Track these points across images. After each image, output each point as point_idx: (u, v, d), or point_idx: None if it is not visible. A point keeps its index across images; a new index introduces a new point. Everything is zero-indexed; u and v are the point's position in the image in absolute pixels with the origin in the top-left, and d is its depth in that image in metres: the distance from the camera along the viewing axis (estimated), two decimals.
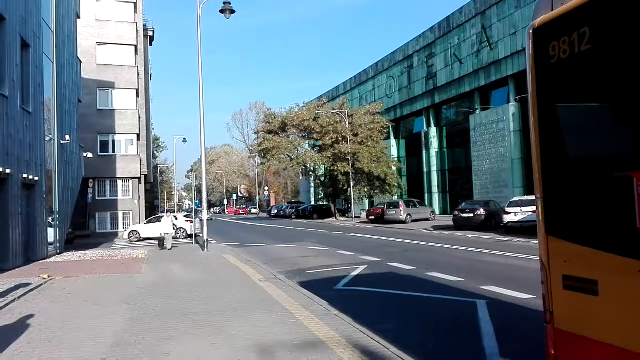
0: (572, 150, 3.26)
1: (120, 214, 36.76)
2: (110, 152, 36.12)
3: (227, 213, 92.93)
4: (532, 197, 4.28)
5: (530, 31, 3.39)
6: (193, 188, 56.22)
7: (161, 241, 20.84)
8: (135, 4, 38.19)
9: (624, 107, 2.84)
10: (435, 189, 41.55)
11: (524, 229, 20.01)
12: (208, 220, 21.34)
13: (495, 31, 33.20)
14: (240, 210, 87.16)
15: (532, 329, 5.78)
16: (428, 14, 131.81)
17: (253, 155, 61.49)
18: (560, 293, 3.15)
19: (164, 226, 21.17)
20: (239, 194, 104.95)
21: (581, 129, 3.28)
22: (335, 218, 45.40)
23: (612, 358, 2.77)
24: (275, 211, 62.18)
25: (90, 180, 32.74)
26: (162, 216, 26.17)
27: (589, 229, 3.04)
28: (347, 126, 41.60)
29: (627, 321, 2.67)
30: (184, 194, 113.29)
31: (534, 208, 3.66)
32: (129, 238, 27.52)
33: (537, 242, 3.46)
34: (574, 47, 2.97)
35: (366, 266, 13.54)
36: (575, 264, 3.05)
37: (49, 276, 12.88)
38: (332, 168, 42.76)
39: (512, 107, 31.72)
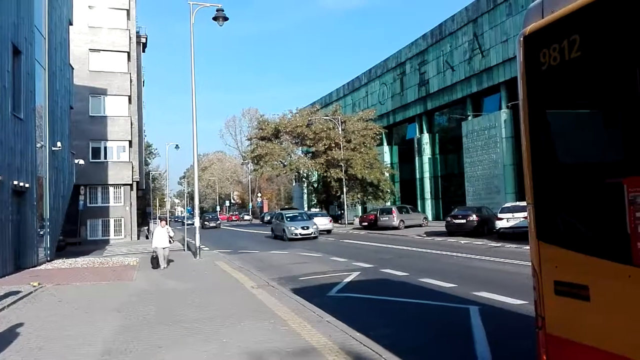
0: (562, 157, 3.28)
1: (111, 221, 36.58)
2: (102, 159, 35.99)
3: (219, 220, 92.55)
4: (524, 203, 4.31)
5: (521, 38, 3.41)
6: (185, 195, 55.96)
7: (155, 259, 16.24)
8: (128, 11, 38.18)
9: (614, 114, 2.86)
10: (427, 195, 41.65)
11: (516, 235, 20.08)
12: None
13: (487, 39, 33.47)
14: (233, 217, 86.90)
15: (524, 335, 5.79)
16: (420, 21, 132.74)
17: (246, 161, 61.29)
18: (551, 298, 3.16)
19: (158, 239, 16.29)
20: (232, 201, 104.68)
21: (572, 135, 3.31)
22: None
23: None
24: (268, 217, 62.01)
25: (82, 187, 32.55)
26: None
27: (580, 234, 3.06)
28: (340, 132, 41.69)
29: (618, 326, 2.68)
30: (177, 201, 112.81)
31: (525, 214, 3.67)
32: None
33: (529, 247, 3.47)
34: (564, 54, 2.99)
35: (359, 272, 13.53)
36: (566, 270, 3.06)
37: (39, 284, 12.76)
38: (325, 174, 42.80)
39: (504, 114, 31.93)
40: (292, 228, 27.98)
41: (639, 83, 2.56)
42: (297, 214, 31.68)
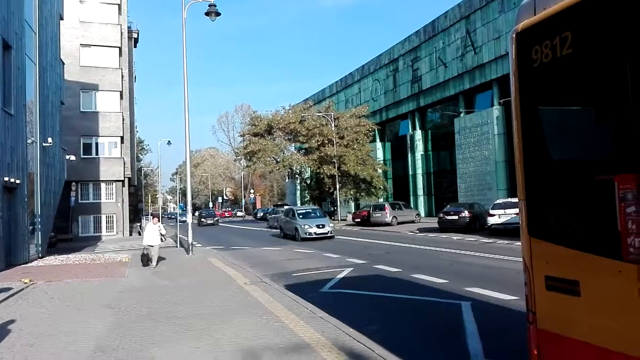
0: (554, 153, 3.30)
1: (103, 217, 36.41)
2: (94, 155, 35.76)
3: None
4: (516, 200, 4.35)
5: (513, 35, 3.42)
6: (178, 191, 55.83)
7: (145, 256, 15.61)
8: (119, 5, 37.90)
9: (605, 111, 2.89)
10: (420, 191, 41.78)
11: (507, 231, 20.19)
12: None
13: (480, 35, 33.54)
14: (226, 213, 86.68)
15: (516, 330, 5.83)
16: (413, 18, 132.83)
17: (239, 157, 61.22)
18: (542, 294, 3.19)
19: (149, 236, 15.67)
20: (225, 197, 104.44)
21: (563, 132, 3.33)
22: None
23: (593, 357, 2.81)
24: (261, 214, 61.93)
25: (73, 183, 32.35)
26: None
27: (571, 230, 3.08)
28: (333, 129, 41.68)
29: (608, 321, 2.71)
30: (169, 197, 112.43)
31: (517, 210, 3.69)
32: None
33: (520, 243, 3.50)
34: (556, 51, 3.01)
35: (352, 269, 13.56)
36: (557, 265, 3.08)
37: (30, 280, 12.69)
38: (318, 171, 42.78)
39: (496, 111, 32.04)
40: (306, 227, 24.76)
41: (629, 80, 2.58)
42: (309, 210, 28.04)
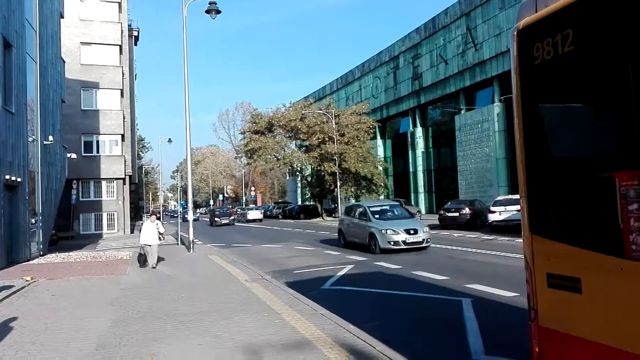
0: (555, 150, 3.30)
1: (104, 215, 36.45)
2: (94, 153, 35.78)
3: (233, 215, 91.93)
4: (517, 197, 4.36)
5: (515, 32, 3.42)
6: (179, 189, 55.78)
7: (142, 256, 14.78)
8: (119, 3, 37.88)
9: (607, 108, 2.88)
10: (421, 188, 41.77)
11: (508, 228, 20.18)
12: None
13: (480, 32, 33.49)
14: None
15: (517, 327, 5.84)
16: (414, 15, 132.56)
17: (239, 155, 61.22)
18: (544, 291, 3.19)
19: (146, 235, 14.76)
20: (225, 195, 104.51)
21: (564, 129, 3.32)
22: (322, 218, 45.41)
23: (595, 355, 2.81)
24: (262, 211, 61.96)
25: (74, 181, 32.34)
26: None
27: (573, 227, 3.08)
28: (334, 126, 41.68)
29: (610, 318, 2.71)
30: (170, 195, 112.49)
31: (518, 207, 3.70)
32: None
33: (522, 240, 3.50)
34: (558, 48, 3.00)
35: (353, 265, 13.57)
36: (559, 262, 3.08)
37: (32, 278, 12.70)
38: (318, 168, 42.81)
39: (497, 108, 32.01)
40: (389, 232, 16.17)
41: (631, 77, 2.58)
42: (386, 207, 18.70)
